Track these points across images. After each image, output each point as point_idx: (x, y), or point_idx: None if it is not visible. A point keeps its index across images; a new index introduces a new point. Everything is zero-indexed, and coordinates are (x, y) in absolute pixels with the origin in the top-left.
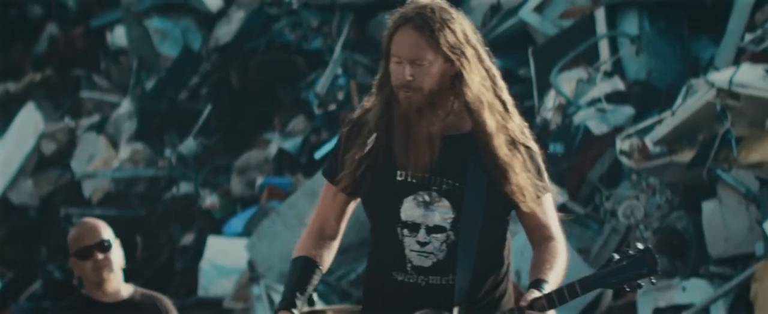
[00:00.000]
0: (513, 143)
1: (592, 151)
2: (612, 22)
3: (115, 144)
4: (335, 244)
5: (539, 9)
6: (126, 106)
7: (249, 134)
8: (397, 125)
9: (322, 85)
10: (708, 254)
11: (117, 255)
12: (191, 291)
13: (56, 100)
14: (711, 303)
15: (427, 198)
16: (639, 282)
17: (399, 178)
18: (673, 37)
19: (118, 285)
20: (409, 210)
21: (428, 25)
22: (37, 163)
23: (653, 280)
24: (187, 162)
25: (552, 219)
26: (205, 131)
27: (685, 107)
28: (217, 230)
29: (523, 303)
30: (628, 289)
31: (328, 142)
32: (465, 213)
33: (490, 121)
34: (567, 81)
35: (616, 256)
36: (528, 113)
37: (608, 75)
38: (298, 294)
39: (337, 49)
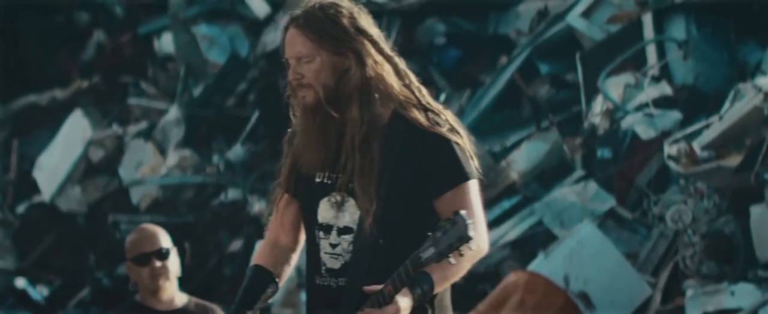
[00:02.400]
0: (414, 132)
1: (639, 156)
2: (659, 26)
3: (162, 150)
4: (293, 254)
5: (587, 14)
6: (174, 112)
7: None
8: (302, 126)
9: None
10: (756, 258)
11: (174, 264)
12: None
13: (104, 107)
14: (760, 307)
15: (338, 198)
16: (458, 250)
17: (317, 180)
18: (720, 41)
19: (173, 294)
20: (324, 211)
21: (310, 21)
22: (85, 170)
23: (471, 247)
24: (235, 169)
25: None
26: (253, 137)
27: (732, 111)
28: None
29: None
30: (451, 259)
31: None
32: (365, 211)
33: (356, 114)
34: (615, 86)
35: (435, 232)
36: (576, 118)
37: (656, 80)
38: (246, 303)
39: None
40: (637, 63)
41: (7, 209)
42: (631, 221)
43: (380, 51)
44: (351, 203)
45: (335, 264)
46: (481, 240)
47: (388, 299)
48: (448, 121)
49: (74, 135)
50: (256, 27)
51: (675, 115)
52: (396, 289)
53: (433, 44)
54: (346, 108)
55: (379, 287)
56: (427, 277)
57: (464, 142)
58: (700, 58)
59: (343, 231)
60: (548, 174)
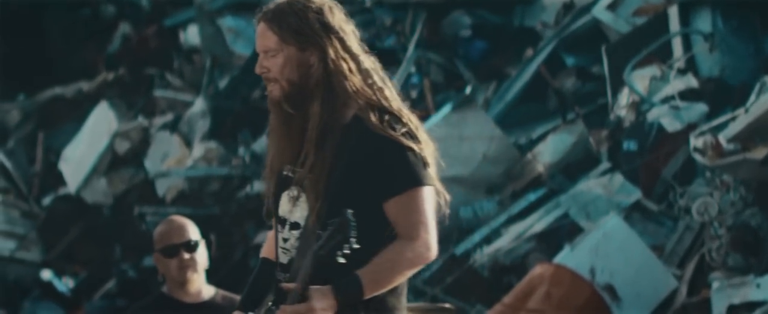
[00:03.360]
0: (367, 134)
1: (665, 149)
2: (685, 19)
3: (188, 142)
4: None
5: (612, 7)
6: (199, 104)
7: None
8: (271, 120)
9: (395, 83)
10: None
11: (202, 256)
12: None
13: (129, 99)
14: None
15: (295, 193)
16: (343, 251)
17: (284, 173)
18: (746, 34)
19: (201, 286)
20: (283, 205)
21: (277, 15)
22: (111, 162)
23: (354, 246)
24: (260, 161)
25: (405, 218)
26: None
27: (758, 104)
28: None
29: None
30: (337, 259)
31: None
32: (311, 208)
33: (317, 110)
34: (640, 78)
35: (325, 230)
36: (602, 111)
37: (682, 72)
38: (254, 297)
39: (411, 47)
40: (663, 55)
41: (33, 201)
42: (657, 213)
43: (346, 48)
44: (303, 199)
45: (284, 259)
46: (422, 247)
47: (300, 297)
48: (409, 126)
49: (100, 127)
50: None
51: (701, 108)
52: (304, 287)
53: (459, 37)
54: (309, 104)
55: (294, 285)
56: (355, 280)
57: (421, 149)
58: (726, 50)
59: (294, 226)
60: (574, 167)
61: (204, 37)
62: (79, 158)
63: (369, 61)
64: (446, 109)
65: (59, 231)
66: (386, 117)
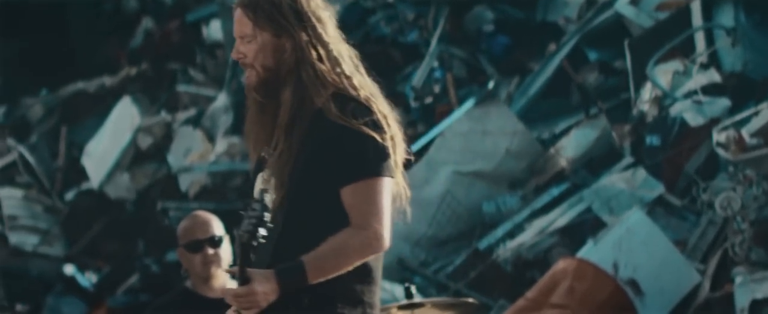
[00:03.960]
0: (329, 122)
1: (688, 143)
2: (708, 14)
3: (211, 137)
4: None
5: (635, 1)
6: (222, 99)
7: None
8: (248, 105)
9: (418, 78)
10: None
11: (226, 251)
12: None
13: (152, 93)
14: None
15: (266, 176)
16: (259, 233)
17: (262, 154)
18: None
19: (225, 281)
20: (258, 186)
21: (252, 1)
22: (134, 157)
23: (269, 225)
24: None
25: (358, 206)
26: None
27: None
28: None
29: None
30: (254, 241)
31: (424, 135)
32: (276, 193)
33: (288, 97)
34: (663, 73)
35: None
36: (624, 105)
37: (704, 67)
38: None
39: (433, 41)
40: (686, 50)
41: (55, 196)
42: (679, 208)
43: (317, 36)
44: (272, 182)
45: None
46: (371, 237)
47: (241, 280)
48: (375, 115)
49: (123, 122)
50: None
51: (723, 102)
52: (242, 270)
53: (481, 31)
54: (281, 90)
55: (235, 268)
56: (298, 265)
57: (385, 139)
58: (749, 45)
59: (265, 208)
60: (597, 161)
61: (226, 31)
62: (102, 153)
63: (342, 49)
64: (469, 103)
65: (82, 226)
66: (351, 105)
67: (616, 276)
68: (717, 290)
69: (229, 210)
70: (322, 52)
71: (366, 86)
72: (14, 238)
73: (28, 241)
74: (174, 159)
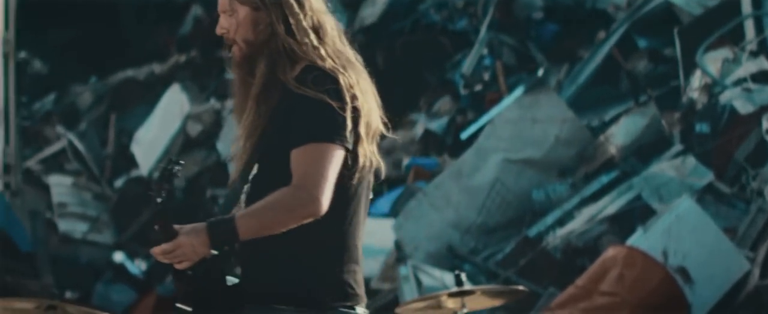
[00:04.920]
0: (290, 92)
1: (738, 131)
2: (757, 1)
3: None
4: None
5: None
6: None
7: (395, 115)
8: (233, 80)
9: (467, 65)
10: None
11: None
12: None
13: (202, 81)
14: None
15: (235, 146)
16: (161, 193)
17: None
18: None
19: None
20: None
21: None
22: (183, 144)
23: (164, 187)
24: None
25: (299, 168)
26: None
27: None
28: None
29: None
30: (158, 200)
31: (474, 123)
32: (244, 166)
33: (261, 69)
34: (713, 61)
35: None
36: (674, 93)
37: (754, 54)
38: None
39: (483, 29)
40: (735, 38)
41: (105, 183)
42: (729, 196)
43: (290, 7)
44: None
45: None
46: (305, 198)
47: (165, 236)
48: (338, 85)
49: (172, 109)
50: (353, 1)
51: None
52: (164, 226)
53: (531, 19)
54: (258, 63)
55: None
56: (229, 220)
57: (345, 109)
58: None
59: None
60: (647, 149)
61: None
62: (151, 140)
63: (322, 20)
64: (518, 91)
65: (131, 213)
66: (314, 74)
67: (665, 264)
68: (767, 277)
69: None
70: (292, 22)
71: (332, 56)
72: (64, 225)
73: (78, 228)
74: (223, 146)
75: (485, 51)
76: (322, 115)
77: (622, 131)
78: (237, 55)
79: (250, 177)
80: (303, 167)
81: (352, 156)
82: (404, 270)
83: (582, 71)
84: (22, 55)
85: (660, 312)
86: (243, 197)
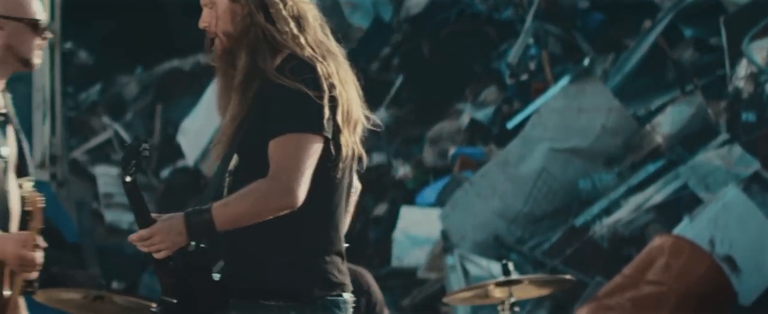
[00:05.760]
0: (263, 80)
1: None
2: None
3: None
4: None
5: None
6: None
7: (441, 104)
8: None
9: (513, 55)
10: None
11: None
12: (385, 262)
13: None
14: None
15: (217, 138)
16: (128, 174)
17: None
18: None
19: None
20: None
21: None
22: None
23: (131, 170)
24: (379, 133)
25: (276, 159)
26: (397, 102)
27: None
28: (410, 200)
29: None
30: (125, 181)
31: (520, 112)
32: (224, 156)
33: (242, 60)
34: (758, 50)
35: None
36: (720, 82)
37: None
38: None
39: (529, 18)
40: None
41: (151, 173)
42: None
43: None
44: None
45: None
46: (280, 190)
47: (142, 224)
48: (316, 74)
49: None
50: None
51: None
52: (141, 215)
53: (576, 8)
54: (239, 55)
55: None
56: (206, 209)
57: (322, 98)
58: None
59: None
60: (693, 138)
61: (321, 8)
62: (197, 130)
63: (302, 10)
64: (564, 81)
65: (178, 203)
66: (292, 64)
67: (712, 253)
68: None
69: None
70: (272, 11)
71: (312, 45)
72: (110, 216)
73: (124, 219)
74: None
75: (531, 40)
76: (299, 105)
77: (668, 120)
78: (218, 48)
79: (230, 168)
80: (279, 158)
81: (333, 145)
82: (451, 260)
83: (628, 60)
84: (68, 45)
85: (706, 301)
86: (225, 191)
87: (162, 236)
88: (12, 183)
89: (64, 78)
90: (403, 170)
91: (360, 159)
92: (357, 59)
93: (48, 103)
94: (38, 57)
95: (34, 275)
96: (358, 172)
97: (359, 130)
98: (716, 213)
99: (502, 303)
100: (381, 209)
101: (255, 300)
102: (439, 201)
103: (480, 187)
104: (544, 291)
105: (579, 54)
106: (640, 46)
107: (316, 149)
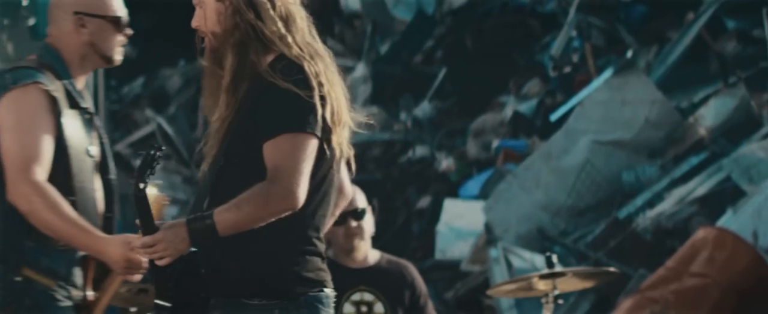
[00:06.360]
0: (252, 80)
1: None
2: None
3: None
4: None
5: None
6: (360, 69)
7: (484, 97)
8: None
9: (556, 47)
10: None
11: (369, 223)
12: (428, 254)
13: None
14: None
15: (206, 139)
16: (141, 186)
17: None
18: None
19: (367, 252)
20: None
21: None
22: None
23: (147, 180)
24: (422, 126)
25: (273, 161)
26: (440, 94)
27: None
28: (454, 193)
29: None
30: (139, 193)
31: (563, 105)
32: (215, 156)
33: (230, 60)
34: None
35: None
36: (763, 74)
37: None
38: None
39: (572, 11)
40: None
41: (194, 167)
42: None
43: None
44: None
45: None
46: (280, 192)
47: (145, 231)
48: (305, 74)
49: None
50: None
51: None
52: (145, 222)
53: (620, 1)
54: (226, 54)
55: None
56: (208, 215)
57: (312, 96)
58: None
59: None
60: (736, 130)
61: (365, 2)
62: None
63: (289, 10)
64: (608, 73)
65: None
66: (281, 64)
67: (755, 245)
68: None
69: (368, 181)
70: (260, 11)
71: (299, 45)
72: None
73: (167, 212)
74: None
75: (574, 33)
76: (292, 105)
77: (711, 112)
78: (208, 47)
79: (216, 168)
80: (277, 160)
81: (324, 144)
82: (495, 253)
83: (671, 52)
84: None
85: (750, 293)
86: (209, 192)
87: (166, 244)
88: (97, 182)
89: (107, 71)
90: (446, 163)
91: (349, 163)
92: (400, 52)
93: (91, 97)
94: (119, 53)
95: (138, 278)
96: (350, 175)
97: (347, 132)
98: (760, 205)
99: (546, 295)
100: (424, 202)
101: (238, 298)
102: (483, 194)
103: (523, 180)
104: (587, 284)
105: (622, 46)
106: (683, 38)
107: (312, 149)
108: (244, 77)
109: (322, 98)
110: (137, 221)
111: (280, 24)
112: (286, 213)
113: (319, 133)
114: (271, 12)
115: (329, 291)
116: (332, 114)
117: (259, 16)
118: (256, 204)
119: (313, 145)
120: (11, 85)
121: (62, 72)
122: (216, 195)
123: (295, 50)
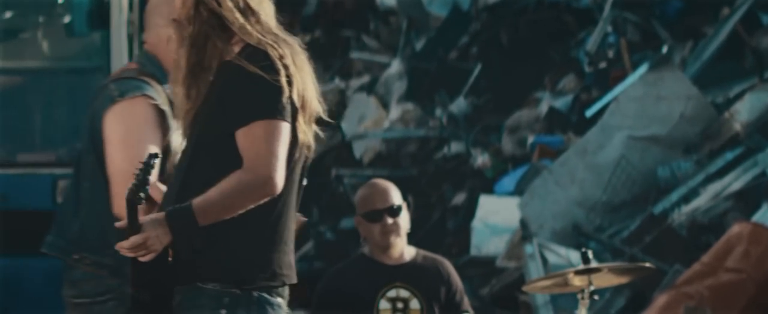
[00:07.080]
0: (225, 69)
1: None
2: None
3: (385, 104)
4: None
5: None
6: (396, 66)
7: (519, 93)
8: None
9: (592, 43)
10: None
11: (405, 220)
12: (463, 251)
13: (326, 61)
14: None
15: (176, 127)
16: (141, 193)
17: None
18: None
19: (403, 249)
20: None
21: None
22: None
23: (148, 186)
24: (457, 122)
25: (247, 149)
26: (476, 90)
27: None
28: (489, 189)
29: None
30: (139, 201)
31: (599, 100)
32: (184, 149)
33: (185, 52)
34: None
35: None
36: None
37: None
38: None
39: (607, 7)
40: None
41: None
42: None
43: None
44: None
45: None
46: (258, 180)
47: (132, 232)
48: (271, 60)
49: None
50: None
51: None
52: (130, 223)
53: None
54: (186, 45)
55: (122, 223)
56: (186, 207)
57: (279, 81)
58: None
59: None
60: None
61: None
62: None
63: (239, 3)
64: (643, 68)
65: None
66: (247, 51)
67: None
68: None
69: (403, 177)
70: (232, 3)
71: (261, 32)
72: None
73: None
74: (348, 126)
75: (609, 28)
76: (262, 91)
77: (746, 107)
78: (175, 39)
79: (186, 158)
80: (251, 147)
81: (295, 129)
82: (530, 249)
83: (706, 48)
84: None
85: None
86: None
87: (153, 240)
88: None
89: None
90: (481, 159)
91: (309, 148)
92: (435, 48)
93: None
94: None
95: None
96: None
97: (313, 121)
98: None
99: (582, 291)
100: (460, 198)
101: (194, 283)
102: (518, 190)
103: (559, 176)
104: (623, 280)
105: (657, 42)
106: (718, 33)
107: (286, 134)
108: (202, 68)
109: (289, 80)
110: (119, 224)
111: (237, 14)
112: (265, 200)
113: (288, 119)
114: (229, 3)
115: (282, 301)
116: (299, 98)
117: (220, 4)
118: (234, 192)
119: (286, 130)
120: (117, 98)
121: (164, 80)
122: (187, 185)
123: (256, 37)
